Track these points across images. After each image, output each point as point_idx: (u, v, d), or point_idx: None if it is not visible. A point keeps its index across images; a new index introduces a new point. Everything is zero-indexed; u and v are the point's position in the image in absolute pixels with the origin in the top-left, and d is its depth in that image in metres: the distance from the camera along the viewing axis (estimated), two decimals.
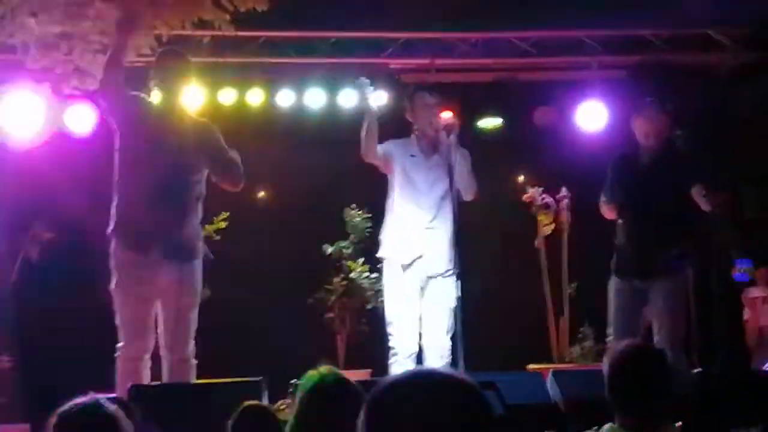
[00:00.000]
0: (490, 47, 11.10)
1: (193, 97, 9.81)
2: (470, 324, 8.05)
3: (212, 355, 9.02)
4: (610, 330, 7.86)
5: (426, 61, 11.06)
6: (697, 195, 7.62)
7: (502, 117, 11.22)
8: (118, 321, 7.07)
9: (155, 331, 7.10)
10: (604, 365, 4.53)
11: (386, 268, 7.99)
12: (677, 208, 7.71)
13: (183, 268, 7.10)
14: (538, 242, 10.81)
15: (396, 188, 7.90)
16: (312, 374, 4.07)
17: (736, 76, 11.04)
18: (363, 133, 7.74)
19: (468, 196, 7.86)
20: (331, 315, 10.86)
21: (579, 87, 10.97)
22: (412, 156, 7.85)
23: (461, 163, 7.71)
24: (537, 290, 10.78)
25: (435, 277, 7.77)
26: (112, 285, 7.07)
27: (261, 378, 6.46)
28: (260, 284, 10.82)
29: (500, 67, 11.15)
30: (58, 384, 8.65)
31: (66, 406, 3.67)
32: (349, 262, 10.81)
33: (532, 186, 10.89)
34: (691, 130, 8.54)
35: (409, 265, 7.78)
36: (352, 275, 10.78)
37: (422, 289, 7.81)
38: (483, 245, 10.32)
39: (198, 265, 7.26)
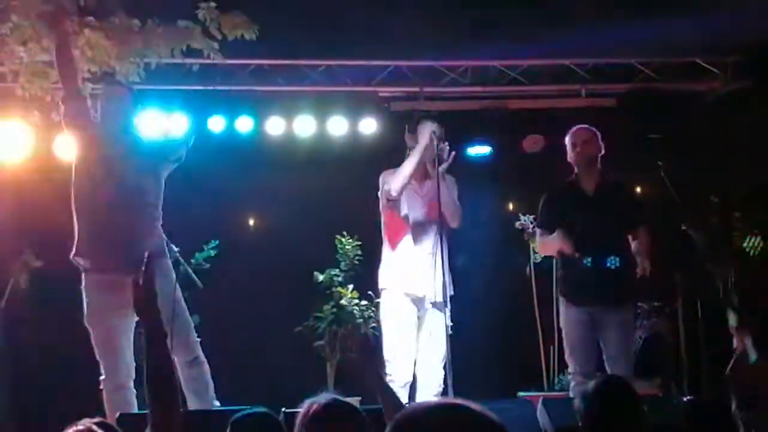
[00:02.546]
0: (479, 75, 11.14)
1: (183, 126, 9.85)
2: (460, 351, 8.04)
3: None
4: (570, 360, 7.86)
5: (415, 88, 11.09)
6: (640, 240, 7.76)
7: (491, 145, 11.24)
8: (97, 353, 7.16)
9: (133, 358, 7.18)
10: (578, 404, 4.55)
11: (386, 297, 8.00)
12: (623, 240, 7.80)
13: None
14: (529, 270, 10.82)
15: (395, 218, 7.92)
16: (313, 401, 4.05)
17: (725, 103, 11.07)
18: (410, 169, 7.81)
19: (453, 224, 7.88)
20: (321, 343, 10.83)
21: (568, 115, 10.99)
22: (407, 184, 7.89)
23: (448, 191, 7.76)
24: (527, 318, 10.79)
25: (434, 305, 7.79)
26: (86, 317, 7.21)
27: (251, 407, 6.44)
28: (250, 312, 10.81)
29: (489, 95, 11.18)
30: (48, 412, 8.66)
31: None
32: (340, 289, 10.79)
33: (523, 214, 10.90)
34: (677, 158, 8.58)
35: (413, 294, 7.80)
36: (342, 302, 10.76)
37: (419, 318, 7.83)
38: (474, 272, 10.32)
39: (167, 265, 7.38)
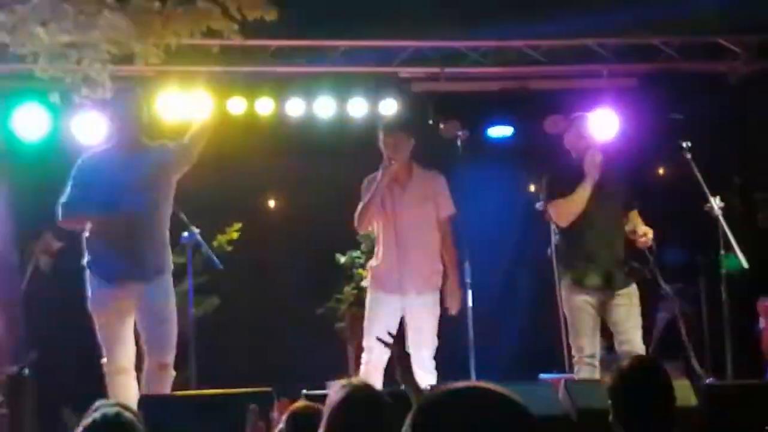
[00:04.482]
0: (501, 56, 11.07)
1: (203, 106, 9.81)
2: (482, 333, 8.03)
3: (222, 364, 8.98)
4: (575, 344, 7.89)
5: (436, 69, 11.03)
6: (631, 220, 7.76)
7: (513, 126, 11.19)
8: (99, 338, 7.36)
9: (134, 343, 7.47)
10: (609, 383, 4.53)
11: (369, 291, 8.17)
12: (622, 222, 7.82)
13: (153, 284, 7.48)
14: (550, 251, 10.78)
15: (380, 220, 8.08)
16: (343, 384, 4.03)
17: (747, 83, 11.00)
18: (369, 205, 8.05)
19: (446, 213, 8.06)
20: (341, 324, 10.83)
21: (590, 95, 10.92)
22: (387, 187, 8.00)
23: (432, 189, 8.07)
24: (548, 299, 10.75)
25: (419, 294, 7.90)
26: (89, 304, 7.51)
27: (271, 388, 6.45)
28: (271, 294, 10.81)
29: (510, 75, 11.12)
30: (68, 393, 8.67)
31: (90, 418, 3.79)
32: (360, 271, 10.77)
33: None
34: (699, 138, 8.55)
35: (391, 289, 7.92)
36: (363, 284, 10.75)
37: (404, 308, 7.92)
38: (495, 254, 10.30)
39: (168, 279, 7.60)
